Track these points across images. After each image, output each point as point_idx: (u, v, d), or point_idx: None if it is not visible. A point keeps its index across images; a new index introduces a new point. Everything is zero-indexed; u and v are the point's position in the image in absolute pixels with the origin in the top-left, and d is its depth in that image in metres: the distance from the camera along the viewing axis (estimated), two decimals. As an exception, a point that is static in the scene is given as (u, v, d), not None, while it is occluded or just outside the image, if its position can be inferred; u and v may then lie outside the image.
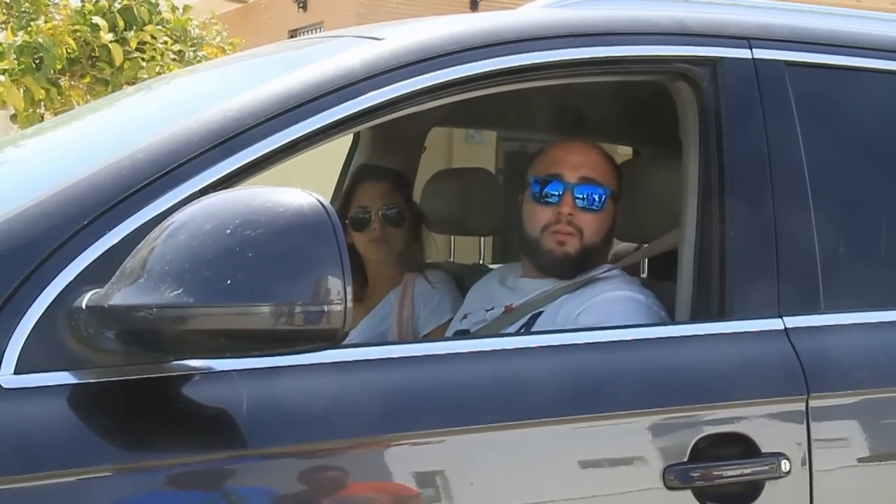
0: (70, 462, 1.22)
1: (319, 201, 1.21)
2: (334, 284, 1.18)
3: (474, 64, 1.60)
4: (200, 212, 1.22)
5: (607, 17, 1.80)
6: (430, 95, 1.58)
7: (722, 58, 1.75)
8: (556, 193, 1.99)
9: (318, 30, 15.08)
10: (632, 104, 2.43)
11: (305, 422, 1.34)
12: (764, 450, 1.57)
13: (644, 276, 2.55)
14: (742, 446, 1.56)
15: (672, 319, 1.79)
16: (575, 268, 1.99)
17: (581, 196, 1.98)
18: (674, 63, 1.76)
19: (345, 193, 2.61)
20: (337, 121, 1.48)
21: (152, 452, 1.28)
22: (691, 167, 1.77)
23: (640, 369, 1.60)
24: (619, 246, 2.77)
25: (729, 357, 1.64)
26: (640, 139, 3.12)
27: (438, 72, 1.57)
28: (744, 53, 1.77)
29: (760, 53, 1.77)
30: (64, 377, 1.25)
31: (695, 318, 1.70)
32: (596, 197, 1.98)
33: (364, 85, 1.51)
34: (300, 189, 1.23)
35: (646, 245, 2.28)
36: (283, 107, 1.45)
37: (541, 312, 1.92)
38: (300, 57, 1.82)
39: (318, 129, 1.46)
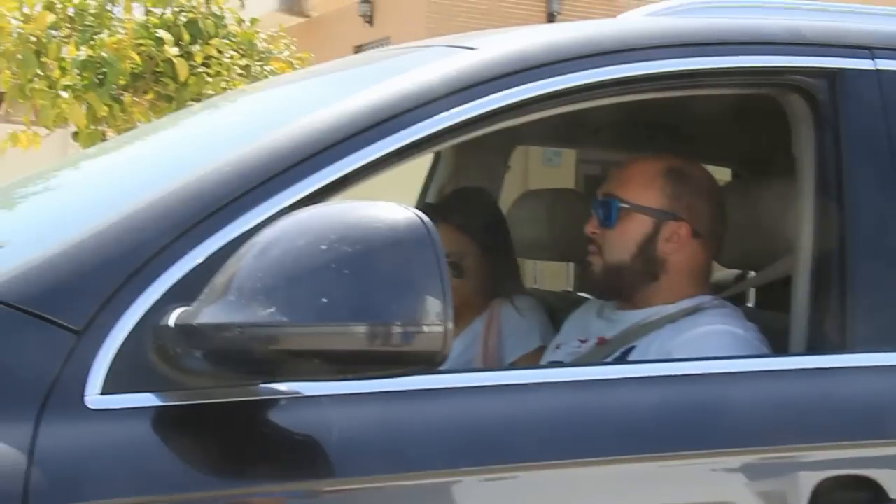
0: (153, 488, 1.24)
1: (419, 216, 1.22)
2: (433, 304, 1.19)
3: (574, 75, 1.60)
4: (294, 227, 1.23)
5: (716, 25, 1.79)
6: (525, 109, 1.58)
7: (842, 69, 1.72)
8: (590, 212, 2.03)
9: (384, 44, 15.23)
10: (733, 120, 2.40)
11: (398, 451, 1.35)
12: (893, 496, 1.52)
13: (750, 305, 2.51)
14: (869, 491, 1.52)
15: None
16: (607, 288, 2.02)
17: (598, 212, 2.00)
18: (788, 75, 1.74)
19: None
20: (429, 135, 1.49)
21: (237, 480, 1.30)
22: (806, 187, 1.74)
23: (749, 404, 1.57)
24: (718, 274, 2.74)
25: (852, 392, 1.60)
26: (741, 158, 3.08)
27: (535, 83, 1.57)
28: (866, 64, 1.74)
29: (884, 64, 1.74)
30: (150, 399, 1.27)
31: (812, 349, 1.67)
32: (608, 211, 1.98)
33: (458, 97, 1.52)
34: (397, 203, 1.24)
35: (752, 273, 2.25)
36: (374, 120, 1.46)
37: (633, 347, 1.91)
38: (390, 67, 1.84)
39: (410, 143, 1.47)
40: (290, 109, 1.83)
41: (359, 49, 15.93)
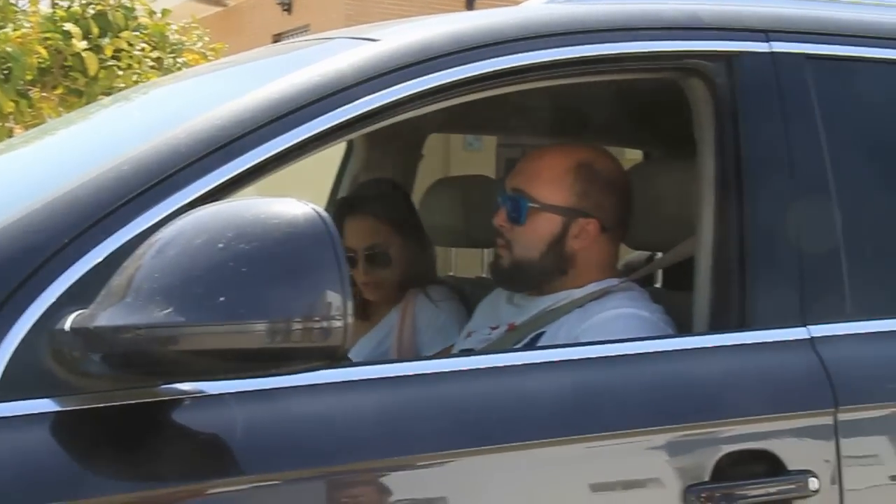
0: (53, 496, 1.23)
1: (316, 211, 1.22)
2: (334, 299, 1.20)
3: (475, 64, 1.61)
4: (190, 225, 1.23)
5: (614, 11, 1.82)
6: (429, 99, 1.59)
7: (738, 52, 1.76)
8: (499, 204, 2.03)
9: (303, 33, 15.12)
10: (641, 104, 2.44)
11: (303, 446, 1.35)
12: (790, 467, 1.57)
13: (658, 286, 2.56)
14: (767, 464, 1.57)
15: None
16: (514, 282, 2.04)
17: (507, 206, 2.01)
18: (686, 59, 1.77)
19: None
20: (332, 127, 1.49)
21: (141, 482, 1.29)
22: (706, 169, 1.78)
23: (655, 384, 1.61)
24: (630, 255, 2.78)
25: (751, 369, 1.65)
26: (650, 141, 3.13)
27: (438, 73, 1.58)
28: (761, 47, 1.78)
29: (779, 47, 1.79)
30: (47, 404, 1.26)
31: (714, 328, 1.71)
32: (517, 208, 1.99)
33: (359, 89, 1.52)
34: (295, 199, 1.25)
35: (659, 255, 2.29)
36: (274, 113, 1.46)
37: (543, 332, 1.94)
38: (291, 61, 1.84)
39: (312, 136, 1.47)
40: (189, 104, 1.82)
41: (277, 38, 15.78)
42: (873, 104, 1.89)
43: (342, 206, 2.66)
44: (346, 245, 2.51)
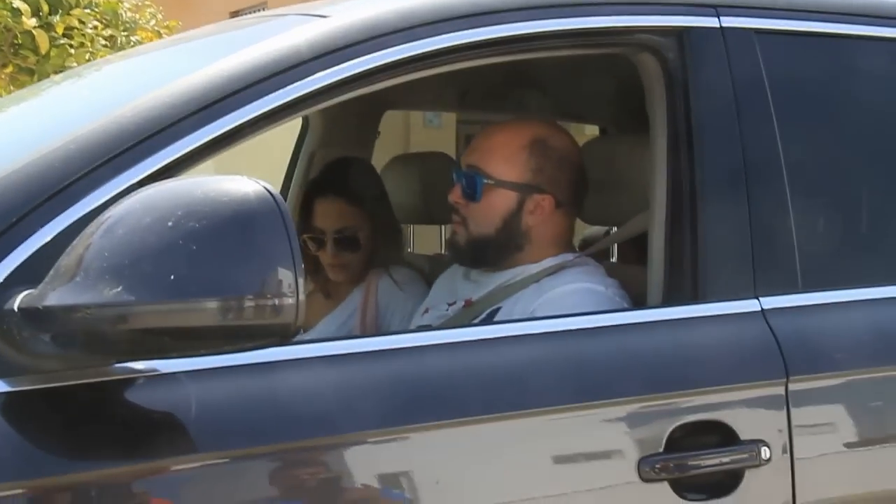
0: (5, 476, 1.23)
1: (266, 189, 1.23)
2: (285, 276, 1.20)
3: (427, 40, 1.61)
4: (139, 204, 1.23)
5: (568, -14, 1.82)
6: (381, 76, 1.59)
7: (688, 27, 1.78)
8: (454, 181, 2.04)
9: (261, 9, 14.97)
10: (596, 79, 2.46)
11: (258, 424, 1.36)
12: (743, 437, 1.60)
13: (614, 260, 2.59)
14: (720, 434, 1.60)
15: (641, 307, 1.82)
16: (470, 258, 2.06)
17: (462, 182, 2.02)
18: (638, 34, 1.79)
19: (301, 208, 2.60)
20: (282, 105, 1.49)
21: (94, 462, 1.29)
22: (659, 144, 1.80)
23: (609, 357, 1.63)
24: (587, 230, 2.81)
25: (703, 341, 1.67)
26: (607, 116, 3.15)
27: (389, 50, 1.58)
28: (711, 22, 1.79)
29: (728, 22, 1.80)
30: (-2, 385, 1.25)
31: (667, 301, 1.73)
32: (472, 185, 2.00)
33: (310, 66, 1.52)
34: (245, 177, 1.25)
35: (615, 229, 2.32)
36: (224, 91, 1.46)
37: (499, 308, 1.95)
38: (241, 38, 1.83)
39: (263, 114, 1.47)
40: (140, 83, 1.80)
41: (235, 14, 15.61)
42: (822, 78, 1.91)
43: (313, 186, 2.66)
44: (315, 225, 2.51)
